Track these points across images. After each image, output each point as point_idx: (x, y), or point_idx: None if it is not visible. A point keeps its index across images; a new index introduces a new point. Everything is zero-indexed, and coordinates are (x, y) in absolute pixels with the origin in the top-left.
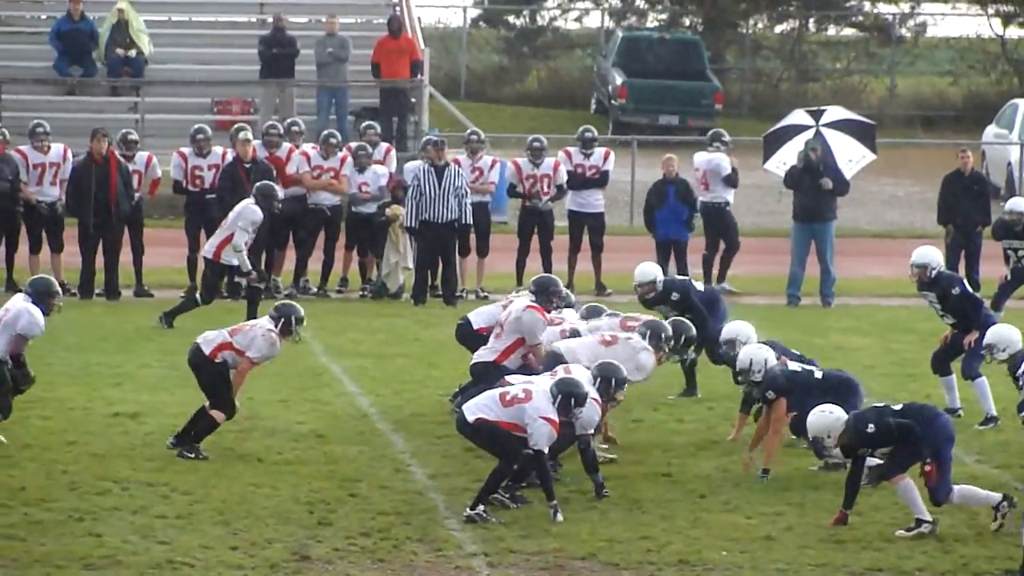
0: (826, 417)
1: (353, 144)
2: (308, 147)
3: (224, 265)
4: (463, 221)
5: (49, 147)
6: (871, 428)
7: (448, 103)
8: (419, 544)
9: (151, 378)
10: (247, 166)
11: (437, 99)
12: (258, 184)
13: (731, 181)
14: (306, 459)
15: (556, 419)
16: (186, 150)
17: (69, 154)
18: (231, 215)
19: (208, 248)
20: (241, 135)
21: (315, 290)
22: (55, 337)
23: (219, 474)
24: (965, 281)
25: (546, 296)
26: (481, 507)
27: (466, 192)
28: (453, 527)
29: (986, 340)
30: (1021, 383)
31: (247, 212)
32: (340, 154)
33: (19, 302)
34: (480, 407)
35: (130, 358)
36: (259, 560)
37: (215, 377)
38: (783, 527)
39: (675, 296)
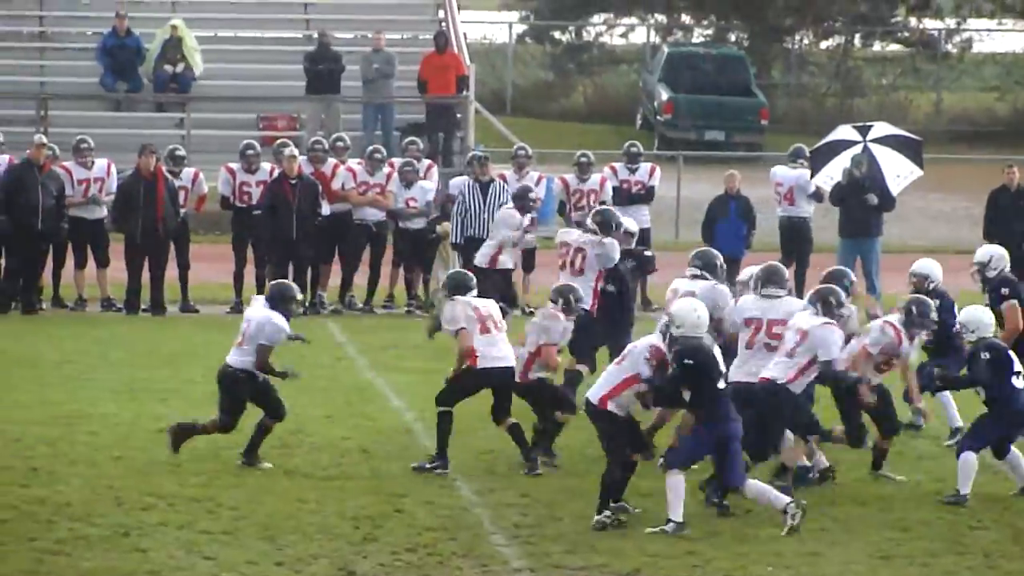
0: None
1: (398, 160)
2: (354, 163)
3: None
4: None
5: (93, 162)
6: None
7: (494, 119)
8: (464, 560)
9: (196, 394)
10: (292, 182)
11: (483, 115)
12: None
13: (818, 197)
14: (352, 474)
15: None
16: (234, 166)
17: (113, 169)
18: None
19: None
20: (287, 151)
21: (361, 306)
22: (101, 352)
23: (265, 489)
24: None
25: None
26: (607, 512)
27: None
28: (499, 542)
29: (960, 318)
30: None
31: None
32: (385, 170)
33: (259, 311)
34: (599, 384)
35: (176, 373)
36: (305, 575)
37: (253, 390)
38: (828, 542)
39: None
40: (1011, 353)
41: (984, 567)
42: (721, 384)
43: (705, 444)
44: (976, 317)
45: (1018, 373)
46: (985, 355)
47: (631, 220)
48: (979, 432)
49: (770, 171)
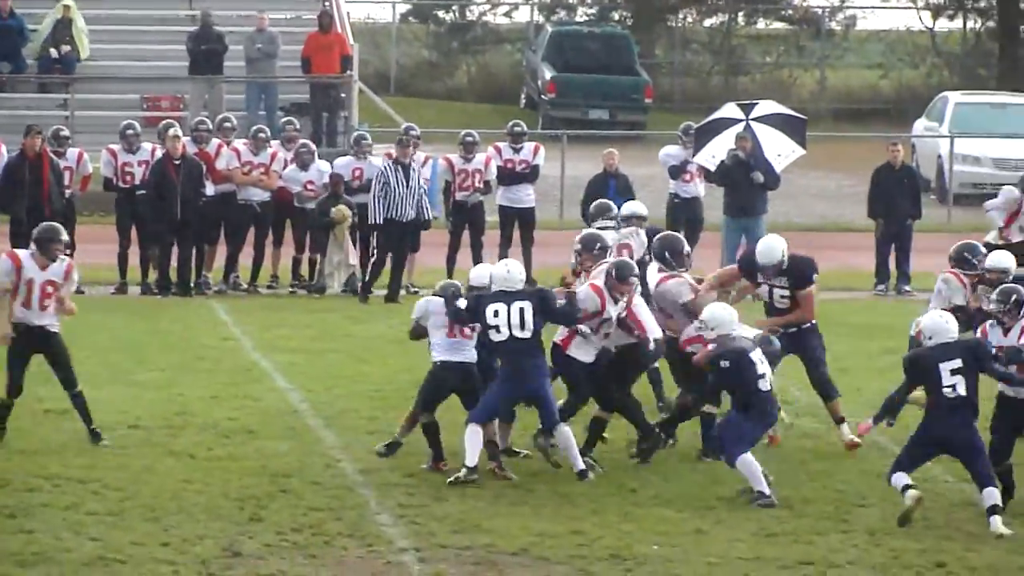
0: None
1: (296, 142)
2: (239, 143)
3: None
4: (426, 218)
5: None
6: None
7: (378, 98)
8: (350, 539)
9: (83, 375)
10: (176, 162)
11: (367, 94)
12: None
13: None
14: (237, 455)
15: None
16: (115, 147)
17: (4, 150)
18: None
19: None
20: (171, 131)
21: (245, 286)
22: None
23: (150, 470)
24: None
25: None
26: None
27: (425, 190)
28: (384, 522)
29: (923, 326)
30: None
31: None
32: (270, 150)
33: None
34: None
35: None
36: (190, 556)
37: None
38: (714, 521)
39: None
40: None
41: (870, 544)
42: (763, 385)
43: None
44: (938, 325)
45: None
46: None
47: (638, 204)
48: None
49: (660, 151)
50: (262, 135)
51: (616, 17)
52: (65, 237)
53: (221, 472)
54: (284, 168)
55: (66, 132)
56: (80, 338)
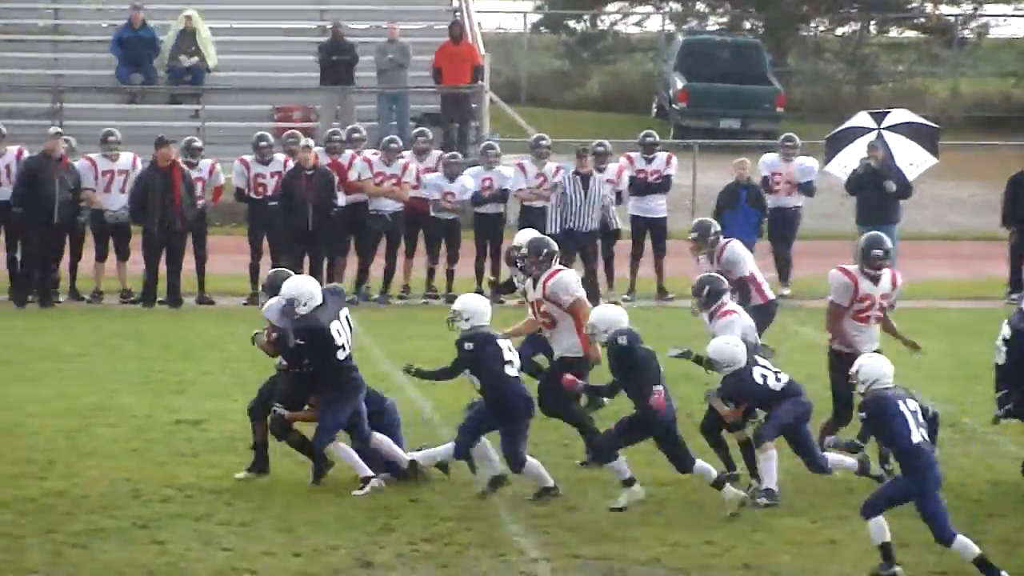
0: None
1: (445, 154)
2: (369, 153)
3: None
4: (613, 227)
5: (118, 155)
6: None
7: (508, 108)
8: (481, 549)
9: (214, 386)
10: (308, 173)
11: (498, 104)
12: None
13: (807, 191)
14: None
15: None
16: (248, 158)
17: (139, 162)
18: None
19: None
20: (303, 141)
21: (376, 297)
22: (118, 345)
23: (282, 481)
24: None
25: None
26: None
27: (611, 200)
28: (515, 532)
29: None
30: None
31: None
32: (402, 160)
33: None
34: None
35: (192, 365)
36: (322, 566)
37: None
38: (847, 531)
39: None
40: None
41: (1003, 554)
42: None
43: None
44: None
45: None
46: None
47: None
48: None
49: (760, 160)
50: (394, 145)
51: (748, 26)
52: None
53: (353, 483)
54: (415, 178)
55: (199, 143)
56: (213, 350)
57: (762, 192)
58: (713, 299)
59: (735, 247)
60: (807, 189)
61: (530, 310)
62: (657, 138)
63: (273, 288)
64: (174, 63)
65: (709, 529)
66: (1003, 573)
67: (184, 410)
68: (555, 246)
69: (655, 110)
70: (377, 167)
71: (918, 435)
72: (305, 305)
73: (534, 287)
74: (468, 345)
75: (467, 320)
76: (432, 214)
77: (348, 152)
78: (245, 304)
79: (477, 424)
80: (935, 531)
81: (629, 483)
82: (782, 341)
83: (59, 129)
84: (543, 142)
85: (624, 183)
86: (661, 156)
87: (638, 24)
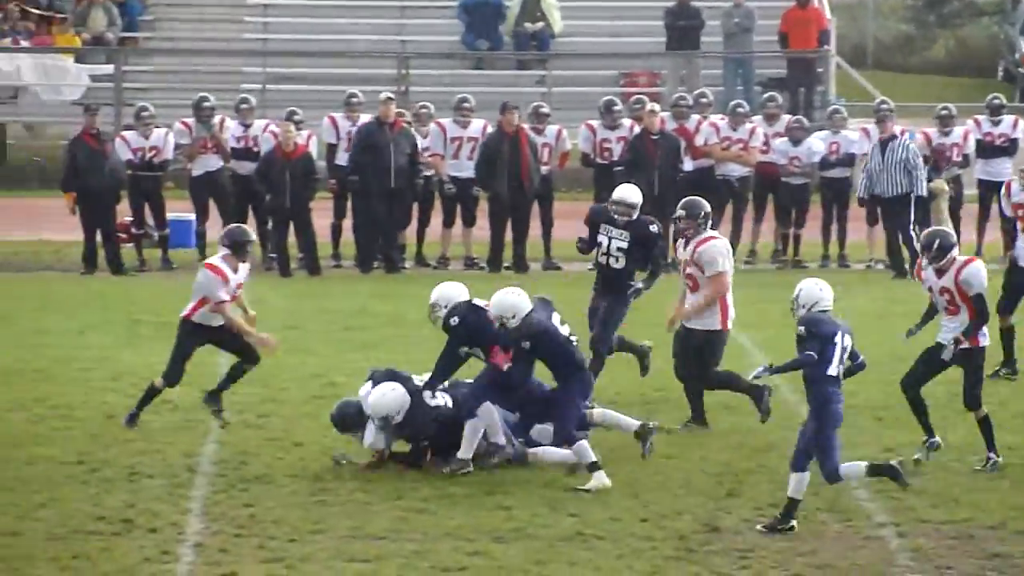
0: None
1: (789, 117)
2: (716, 118)
3: None
4: (918, 193)
5: (470, 121)
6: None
7: (855, 72)
8: (828, 514)
9: None
10: (655, 138)
11: (843, 69)
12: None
13: None
14: (715, 430)
15: None
16: (595, 122)
17: (489, 129)
18: None
19: None
20: (648, 106)
21: None
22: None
23: (630, 445)
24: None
25: None
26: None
27: (916, 164)
28: (862, 497)
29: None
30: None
31: None
32: (749, 125)
33: None
34: None
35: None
36: (668, 532)
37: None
38: None
39: None
40: None
41: None
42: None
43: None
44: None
45: None
46: None
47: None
48: None
49: None
50: (741, 110)
51: None
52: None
53: (699, 447)
54: (764, 143)
55: (546, 109)
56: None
57: None
58: (945, 252)
59: (718, 244)
60: None
61: (680, 270)
62: (1004, 101)
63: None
64: (519, 29)
65: None
66: (893, 461)
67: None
68: (709, 208)
69: (1001, 73)
70: (724, 132)
71: (837, 369)
72: (514, 318)
73: (685, 247)
74: (453, 320)
75: (444, 307)
76: (782, 179)
77: (695, 117)
78: (591, 270)
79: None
80: (823, 464)
81: (593, 468)
82: None
83: (391, 94)
84: (884, 106)
85: (971, 146)
86: (1008, 119)
87: None
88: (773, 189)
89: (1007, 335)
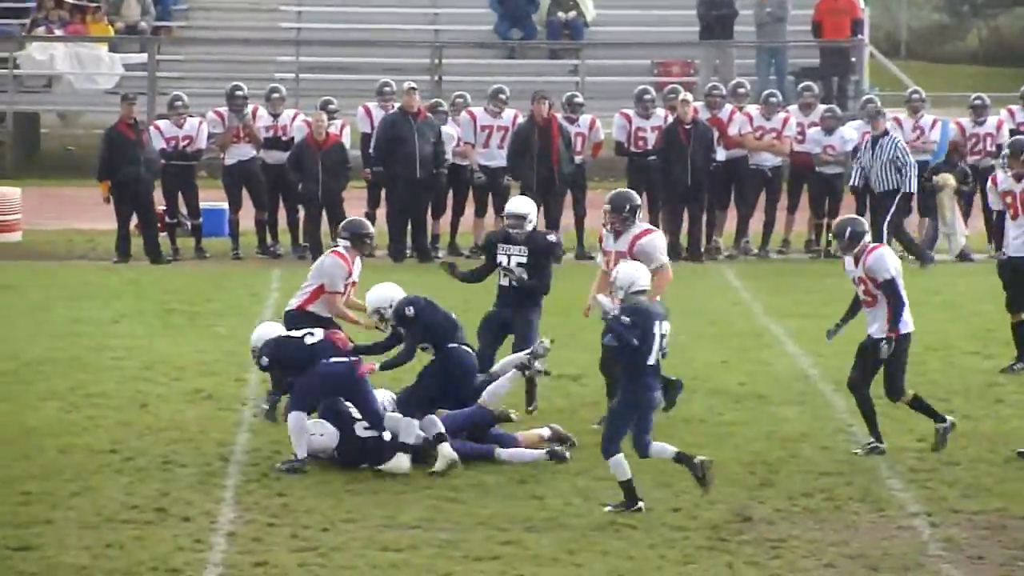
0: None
1: (813, 108)
2: (751, 108)
3: None
4: (906, 190)
5: (503, 111)
6: None
7: (888, 62)
8: (861, 504)
9: (592, 340)
10: (687, 127)
11: (877, 58)
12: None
13: None
14: (747, 420)
15: None
16: (630, 111)
17: (521, 118)
18: None
19: None
20: (682, 96)
21: (756, 251)
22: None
23: (660, 435)
24: None
25: None
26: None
27: (905, 162)
28: (895, 487)
29: None
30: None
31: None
32: (782, 115)
33: None
34: None
35: (570, 320)
36: (701, 522)
37: None
38: None
39: None
40: None
41: None
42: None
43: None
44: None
45: None
46: None
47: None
48: None
49: None
50: (773, 99)
51: None
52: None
53: (732, 437)
54: (799, 133)
55: (580, 99)
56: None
57: None
58: (856, 240)
59: (653, 238)
60: None
61: (605, 261)
62: None
63: None
64: (552, 18)
65: None
66: (698, 458)
67: (565, 364)
68: (639, 201)
69: None
70: (757, 121)
71: (654, 359)
72: (390, 307)
73: (615, 240)
74: (409, 310)
75: (390, 307)
76: (816, 169)
77: (728, 106)
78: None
79: None
80: (603, 443)
81: (439, 439)
82: None
83: (413, 84)
84: (915, 95)
85: (1004, 136)
86: None
87: None
88: (806, 179)
89: (1019, 329)
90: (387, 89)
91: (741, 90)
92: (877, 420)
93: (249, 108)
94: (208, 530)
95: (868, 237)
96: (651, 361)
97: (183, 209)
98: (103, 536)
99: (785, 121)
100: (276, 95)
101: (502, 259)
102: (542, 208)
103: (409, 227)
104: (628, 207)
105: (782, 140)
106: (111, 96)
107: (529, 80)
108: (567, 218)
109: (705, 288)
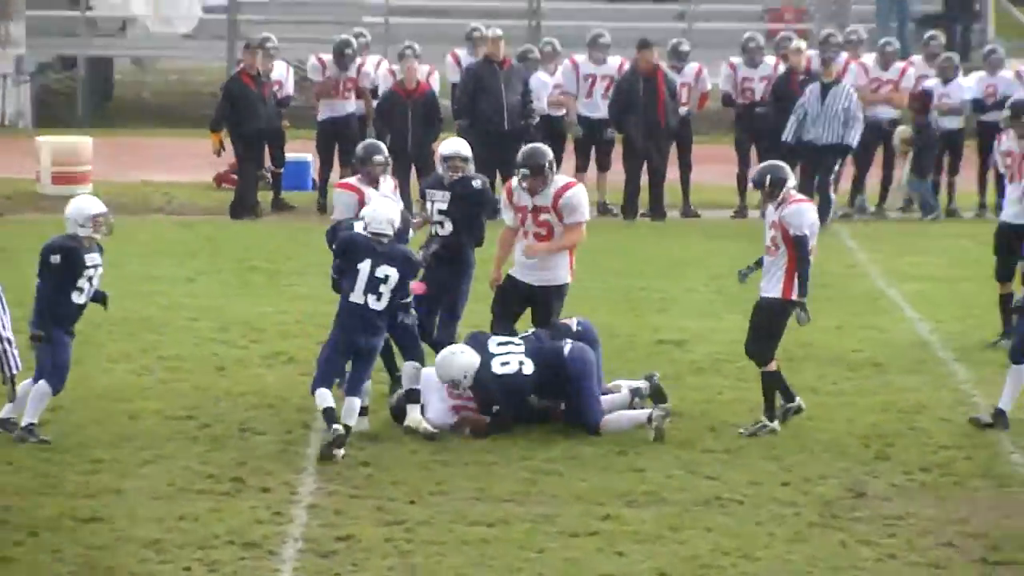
0: None
1: (939, 57)
2: (866, 57)
3: None
4: (849, 142)
5: (605, 59)
6: None
7: (1015, 10)
8: (981, 480)
9: (698, 303)
10: (801, 78)
11: (1003, 5)
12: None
13: None
14: (862, 390)
15: None
16: (736, 60)
17: (625, 67)
18: None
19: None
20: (795, 44)
21: (872, 210)
22: (598, 261)
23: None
24: None
25: None
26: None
27: (855, 116)
28: (1018, 462)
29: None
30: None
31: None
32: (900, 64)
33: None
34: None
35: (675, 283)
36: (812, 497)
37: None
38: None
39: None
40: None
41: None
42: None
43: None
44: None
45: None
46: None
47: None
48: None
49: None
50: (890, 48)
51: None
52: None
53: (846, 408)
54: (915, 85)
55: (686, 47)
56: (695, 264)
57: None
58: (778, 187)
59: (578, 192)
60: None
61: (519, 218)
62: None
63: None
64: None
65: None
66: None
67: (666, 329)
68: (551, 155)
69: None
70: (873, 72)
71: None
72: None
73: (531, 196)
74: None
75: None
76: (933, 126)
77: (843, 55)
78: (732, 217)
79: None
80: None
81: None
82: None
83: (499, 31)
84: None
85: None
86: None
87: None
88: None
89: (1005, 302)
90: (476, 34)
91: (854, 37)
92: (776, 398)
93: (357, 61)
94: (288, 502)
95: (792, 183)
96: (354, 298)
97: (265, 161)
98: (176, 507)
99: (903, 71)
100: (349, 50)
101: (428, 206)
102: (646, 163)
103: (499, 182)
104: (547, 163)
105: (900, 91)
106: (188, 41)
107: (632, 26)
108: (672, 173)
109: (819, 249)
